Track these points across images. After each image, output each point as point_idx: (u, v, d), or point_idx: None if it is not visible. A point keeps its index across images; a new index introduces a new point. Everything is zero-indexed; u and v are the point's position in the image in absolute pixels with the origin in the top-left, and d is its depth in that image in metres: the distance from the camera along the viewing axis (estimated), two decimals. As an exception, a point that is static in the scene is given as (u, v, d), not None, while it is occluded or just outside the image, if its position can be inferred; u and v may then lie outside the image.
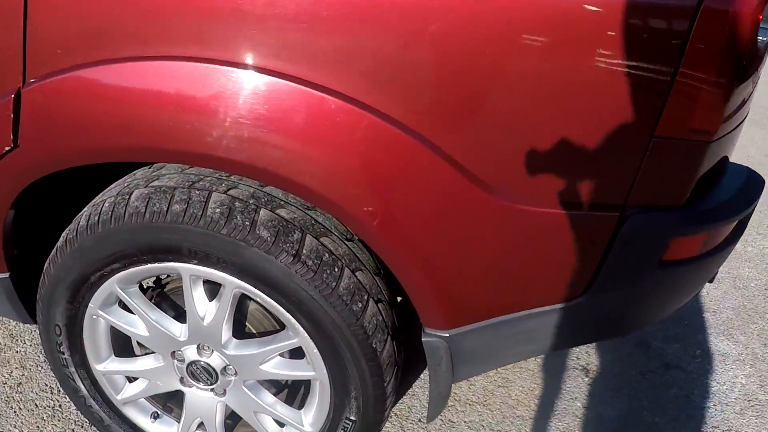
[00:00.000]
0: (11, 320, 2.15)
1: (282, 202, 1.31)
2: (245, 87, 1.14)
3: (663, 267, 1.28)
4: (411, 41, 1.07)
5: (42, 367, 2.02)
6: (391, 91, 1.11)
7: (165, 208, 1.26)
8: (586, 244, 1.25)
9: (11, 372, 2.01)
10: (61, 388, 1.94)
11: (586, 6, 1.04)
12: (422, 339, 1.35)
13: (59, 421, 1.87)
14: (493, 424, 1.89)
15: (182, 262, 1.31)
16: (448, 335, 1.33)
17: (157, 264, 1.33)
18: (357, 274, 1.33)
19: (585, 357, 2.12)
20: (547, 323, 1.35)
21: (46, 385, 1.97)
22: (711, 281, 1.57)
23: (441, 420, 1.89)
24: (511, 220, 1.22)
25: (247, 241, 1.24)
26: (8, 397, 1.92)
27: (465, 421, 1.89)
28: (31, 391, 1.94)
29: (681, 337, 2.22)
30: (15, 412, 1.88)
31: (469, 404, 1.94)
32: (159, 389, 1.56)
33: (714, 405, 1.98)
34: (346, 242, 1.35)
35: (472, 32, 1.06)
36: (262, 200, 1.29)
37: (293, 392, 1.61)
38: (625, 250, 1.25)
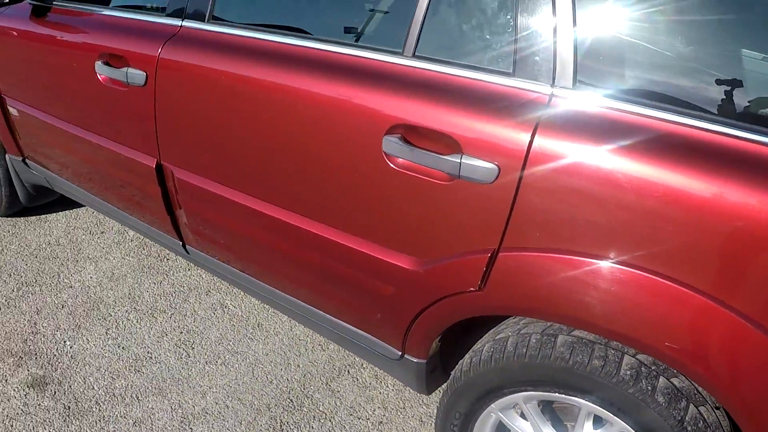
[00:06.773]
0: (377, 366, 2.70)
1: (675, 372, 1.66)
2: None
3: None
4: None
5: (401, 413, 2.53)
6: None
7: (586, 361, 1.66)
8: None
9: (374, 410, 2.54)
10: (414, 437, 2.45)
11: None
12: None
13: (413, 464, 2.37)
14: None
15: (586, 400, 1.71)
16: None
17: (563, 395, 1.74)
18: (721, 440, 1.65)
19: None
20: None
21: (404, 430, 2.48)
22: None
23: None
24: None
25: (647, 402, 1.61)
26: (370, 433, 2.46)
27: None
28: (390, 432, 2.47)
29: None
30: (379, 447, 2.41)
31: None
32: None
33: None
34: (714, 410, 1.67)
35: None
36: (661, 368, 1.65)
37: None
38: None
